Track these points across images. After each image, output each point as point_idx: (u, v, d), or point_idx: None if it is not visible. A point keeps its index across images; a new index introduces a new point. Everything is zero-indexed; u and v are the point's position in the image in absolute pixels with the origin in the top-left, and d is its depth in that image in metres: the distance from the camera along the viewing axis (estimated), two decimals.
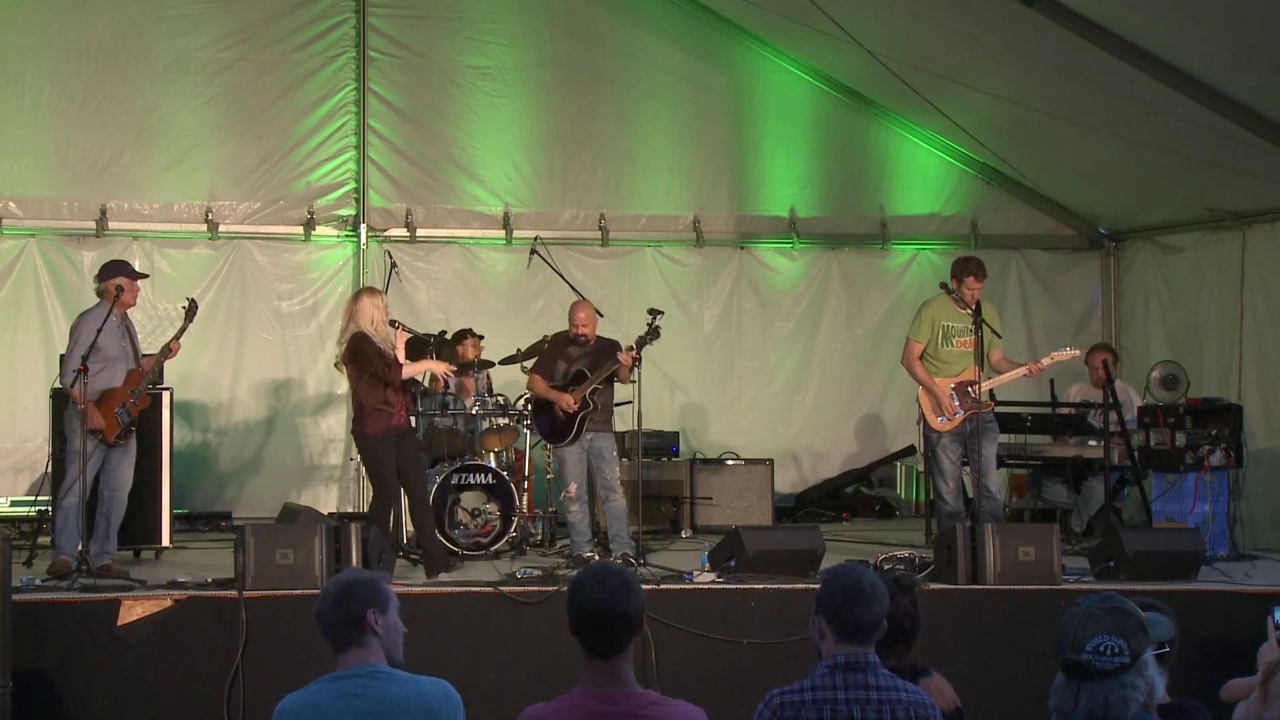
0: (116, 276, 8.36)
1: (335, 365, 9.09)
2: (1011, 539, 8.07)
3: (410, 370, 8.70)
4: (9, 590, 6.65)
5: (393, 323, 8.75)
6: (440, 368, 9.03)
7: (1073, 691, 3.21)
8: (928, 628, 4.46)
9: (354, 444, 11.07)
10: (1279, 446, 10.45)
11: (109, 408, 8.15)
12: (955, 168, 12.42)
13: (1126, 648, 3.18)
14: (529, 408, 9.74)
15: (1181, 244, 11.68)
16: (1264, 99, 9.19)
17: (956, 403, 9.05)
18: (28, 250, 11.04)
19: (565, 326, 10.31)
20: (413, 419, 9.12)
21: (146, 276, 8.80)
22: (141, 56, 11.21)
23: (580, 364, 9.13)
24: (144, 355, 8.59)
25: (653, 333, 8.91)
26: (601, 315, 9.59)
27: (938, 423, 9.08)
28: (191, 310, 8.66)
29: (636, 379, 8.92)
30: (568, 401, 8.96)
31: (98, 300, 8.39)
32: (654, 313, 8.95)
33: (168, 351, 8.54)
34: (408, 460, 8.67)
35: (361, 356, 8.52)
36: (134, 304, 8.52)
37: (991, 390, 9.25)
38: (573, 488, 9.01)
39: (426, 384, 10.07)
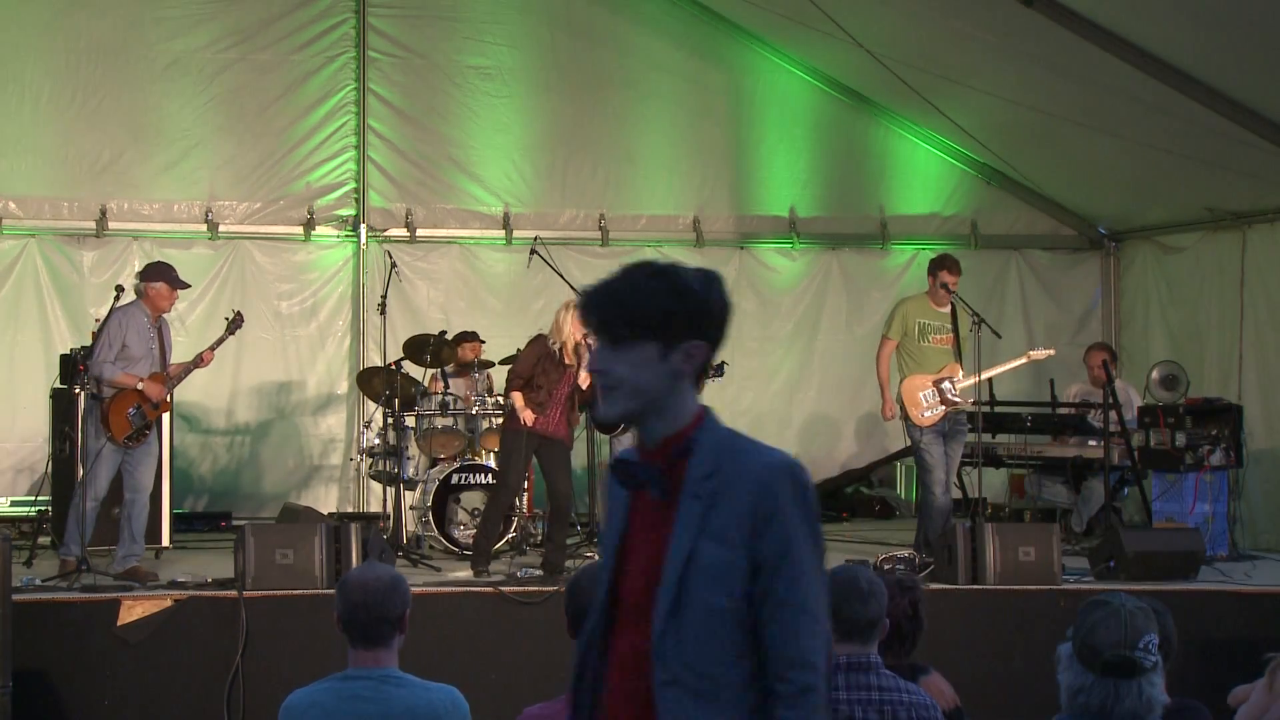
0: (156, 281, 8.24)
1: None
2: (1011, 539, 8.07)
3: (516, 399, 8.47)
4: (9, 590, 6.66)
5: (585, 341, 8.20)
6: (528, 415, 8.44)
7: (1110, 688, 3.22)
8: (928, 628, 4.45)
9: (351, 446, 11.27)
10: (1279, 446, 10.45)
11: (122, 407, 8.04)
12: (955, 168, 12.40)
13: (1157, 645, 3.25)
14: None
15: (1181, 244, 11.67)
16: (1264, 99, 9.18)
17: (928, 401, 8.98)
18: (28, 250, 11.02)
19: None
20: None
21: (188, 286, 8.77)
22: (141, 56, 11.18)
23: None
24: (173, 363, 8.46)
25: (716, 370, 8.74)
26: None
27: (921, 417, 8.98)
28: (235, 323, 8.56)
29: None
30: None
31: (134, 298, 8.32)
32: None
33: (199, 360, 8.43)
34: (552, 467, 8.64)
35: (524, 352, 8.73)
36: (168, 310, 8.42)
37: (990, 381, 9.25)
38: None
39: (427, 384, 10.07)
